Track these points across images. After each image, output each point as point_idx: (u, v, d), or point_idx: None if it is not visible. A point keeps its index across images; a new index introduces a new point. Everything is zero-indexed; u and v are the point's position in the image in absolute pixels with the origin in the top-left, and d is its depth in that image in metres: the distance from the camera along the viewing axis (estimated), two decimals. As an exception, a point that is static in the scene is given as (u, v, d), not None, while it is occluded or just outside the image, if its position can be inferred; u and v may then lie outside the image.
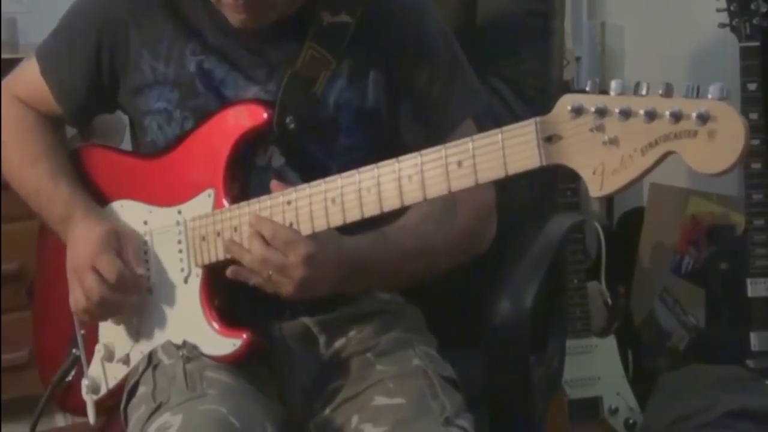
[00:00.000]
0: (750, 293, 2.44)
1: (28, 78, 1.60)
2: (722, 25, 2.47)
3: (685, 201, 2.84)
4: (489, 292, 1.53)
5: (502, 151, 1.17)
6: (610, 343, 2.66)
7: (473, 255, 1.50)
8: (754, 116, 2.39)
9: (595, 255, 2.82)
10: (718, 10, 2.47)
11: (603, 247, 2.82)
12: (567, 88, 2.62)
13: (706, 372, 2.30)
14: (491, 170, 1.19)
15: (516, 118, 1.82)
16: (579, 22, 3.20)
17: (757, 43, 2.42)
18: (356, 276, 1.39)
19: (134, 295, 1.47)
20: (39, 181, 1.55)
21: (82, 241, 1.47)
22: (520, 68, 1.86)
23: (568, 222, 1.82)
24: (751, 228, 2.44)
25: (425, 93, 1.50)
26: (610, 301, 2.77)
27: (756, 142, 2.38)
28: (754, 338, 2.43)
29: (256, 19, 1.42)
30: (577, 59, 3.15)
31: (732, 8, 2.44)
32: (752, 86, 2.40)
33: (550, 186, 1.91)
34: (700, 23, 2.72)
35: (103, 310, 1.47)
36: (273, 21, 1.43)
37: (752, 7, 2.41)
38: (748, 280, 2.44)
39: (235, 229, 1.38)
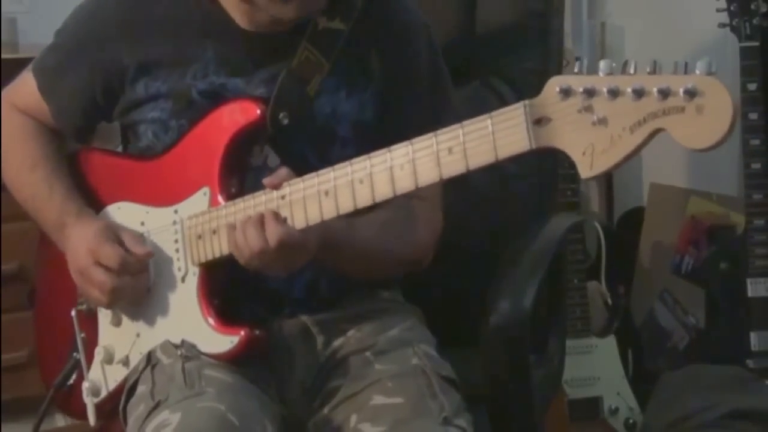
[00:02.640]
0: (750, 293, 2.44)
1: (27, 91, 1.61)
2: (722, 25, 2.47)
3: (685, 201, 2.84)
4: (489, 292, 1.53)
5: (491, 136, 1.17)
6: (610, 343, 2.66)
7: (415, 269, 1.53)
8: (754, 116, 2.39)
9: (595, 255, 2.82)
10: (718, 10, 2.47)
11: (603, 247, 2.81)
12: (567, 88, 2.62)
13: (706, 372, 2.30)
14: (482, 155, 1.19)
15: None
16: (579, 22, 3.20)
17: (757, 43, 2.42)
18: (324, 256, 1.40)
19: (144, 275, 1.47)
20: (35, 186, 1.57)
21: (80, 241, 1.48)
22: (519, 68, 1.86)
23: (568, 222, 1.82)
24: (751, 228, 2.44)
25: (407, 116, 1.51)
26: (610, 301, 2.77)
27: (756, 142, 2.39)
28: (754, 338, 2.43)
29: (307, 6, 1.42)
30: (577, 59, 3.14)
31: (732, 8, 2.44)
32: (752, 86, 2.41)
33: (550, 186, 1.91)
34: (700, 23, 2.72)
35: (120, 298, 1.48)
36: (320, 9, 1.44)
37: (752, 7, 2.41)
38: (748, 280, 2.44)
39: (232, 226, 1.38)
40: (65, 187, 1.56)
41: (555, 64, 1.87)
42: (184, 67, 1.49)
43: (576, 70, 1.13)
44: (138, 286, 1.48)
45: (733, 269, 2.48)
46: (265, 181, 1.36)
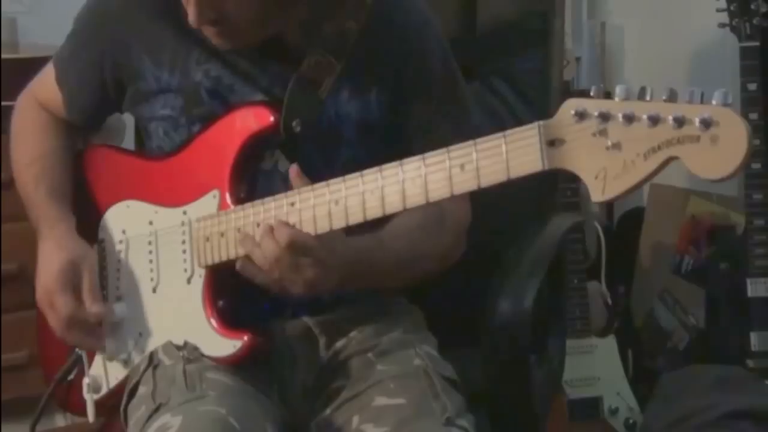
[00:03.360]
0: (750, 293, 2.44)
1: (46, 83, 1.62)
2: (722, 25, 2.47)
3: (685, 201, 2.84)
4: (489, 292, 1.53)
5: (504, 155, 1.17)
6: (610, 343, 2.66)
7: (445, 269, 1.52)
8: (754, 116, 2.39)
9: (595, 255, 2.82)
10: (718, 10, 2.48)
11: (603, 247, 2.82)
12: (567, 88, 2.63)
13: (706, 372, 2.30)
14: (494, 174, 1.18)
15: (516, 118, 1.85)
16: (579, 22, 3.20)
17: (757, 43, 2.42)
18: (355, 276, 1.39)
19: (92, 334, 1.49)
20: (26, 183, 1.58)
21: (44, 273, 1.49)
22: (520, 68, 1.86)
23: (568, 222, 1.83)
24: (751, 228, 2.44)
25: (416, 113, 1.51)
26: (610, 301, 2.77)
27: (756, 142, 2.39)
28: (754, 338, 2.43)
29: (235, 45, 1.43)
30: (577, 59, 3.15)
31: (732, 8, 2.44)
32: (752, 86, 2.41)
33: (550, 186, 1.91)
34: (700, 23, 2.72)
35: (71, 343, 1.52)
36: (258, 41, 1.44)
37: (752, 7, 2.42)
38: (748, 280, 2.44)
39: (239, 230, 1.38)
40: (50, 188, 1.55)
41: (555, 64, 1.87)
42: (187, 53, 1.48)
43: (592, 93, 1.12)
44: (84, 341, 1.50)
45: (733, 269, 2.48)
46: (293, 171, 1.34)
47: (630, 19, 3.17)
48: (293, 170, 1.35)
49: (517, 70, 1.86)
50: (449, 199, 1.40)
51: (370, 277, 1.43)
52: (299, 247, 1.31)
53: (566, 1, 1.90)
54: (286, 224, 1.32)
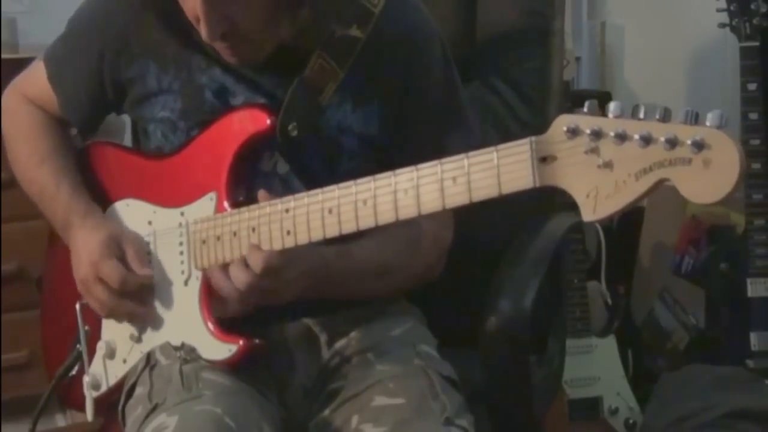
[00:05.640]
0: (750, 293, 2.44)
1: (37, 80, 1.61)
2: (722, 25, 2.47)
3: (685, 201, 2.82)
4: (489, 292, 1.53)
5: (496, 170, 1.15)
6: (610, 343, 2.66)
7: (422, 285, 1.53)
8: (754, 116, 2.39)
9: (595, 255, 2.82)
10: (718, 10, 2.48)
11: (603, 247, 2.81)
12: (567, 88, 2.63)
13: (706, 372, 2.30)
14: (485, 189, 1.16)
15: (516, 118, 1.84)
16: (579, 22, 3.20)
17: (757, 43, 2.42)
18: (317, 285, 1.40)
19: (143, 299, 1.47)
20: (43, 182, 1.57)
21: (84, 251, 1.48)
22: (520, 68, 1.86)
23: (568, 222, 1.82)
24: (751, 228, 2.44)
25: (418, 130, 1.50)
26: (610, 301, 2.77)
27: (756, 142, 2.39)
28: (754, 338, 2.43)
29: (249, 60, 1.43)
30: (577, 59, 3.16)
31: (732, 8, 2.44)
32: (752, 86, 2.41)
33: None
34: (700, 23, 2.72)
35: (118, 316, 1.49)
36: (267, 53, 1.43)
37: (752, 7, 2.42)
38: (748, 280, 2.44)
39: (234, 234, 1.38)
40: (72, 184, 1.55)
41: (555, 64, 1.87)
42: (188, 57, 1.48)
43: (586, 109, 1.10)
44: (137, 309, 1.47)
45: (733, 269, 2.48)
46: (260, 194, 1.35)
47: (630, 19, 3.17)
48: (262, 195, 1.35)
49: (517, 69, 1.86)
50: (432, 217, 1.38)
51: (334, 287, 1.43)
52: (274, 269, 1.31)
53: (566, 1, 1.90)
54: (258, 248, 1.33)
